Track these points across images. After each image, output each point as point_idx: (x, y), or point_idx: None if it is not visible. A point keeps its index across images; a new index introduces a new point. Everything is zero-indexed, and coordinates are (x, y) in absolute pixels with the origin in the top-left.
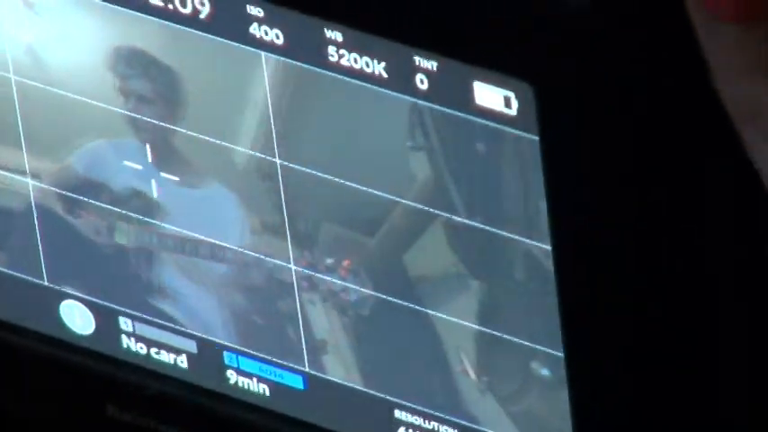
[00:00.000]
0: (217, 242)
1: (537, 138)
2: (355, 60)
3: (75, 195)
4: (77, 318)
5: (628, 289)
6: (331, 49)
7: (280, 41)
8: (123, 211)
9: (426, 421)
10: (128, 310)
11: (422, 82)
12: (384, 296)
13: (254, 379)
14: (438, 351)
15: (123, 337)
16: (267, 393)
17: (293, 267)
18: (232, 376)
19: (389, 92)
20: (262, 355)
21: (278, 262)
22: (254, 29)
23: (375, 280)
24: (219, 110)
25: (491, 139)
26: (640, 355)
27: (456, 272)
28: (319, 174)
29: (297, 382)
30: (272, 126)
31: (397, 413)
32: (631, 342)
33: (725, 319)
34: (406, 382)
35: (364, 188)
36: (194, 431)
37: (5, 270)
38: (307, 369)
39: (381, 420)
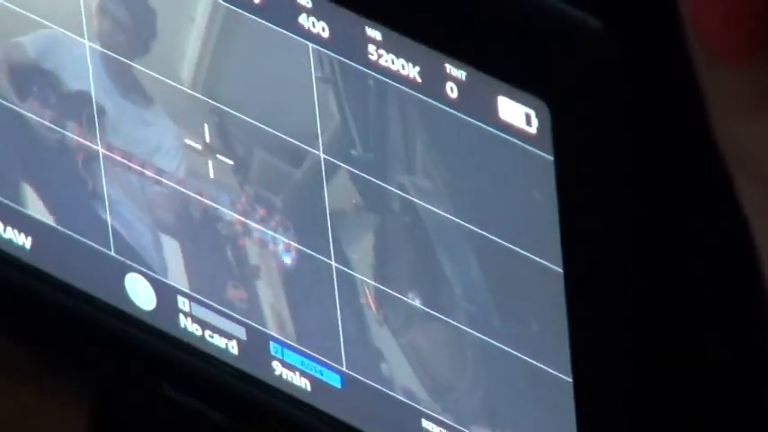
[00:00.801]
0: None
1: (552, 158)
2: (392, 61)
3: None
4: (141, 292)
5: (638, 312)
6: (371, 48)
7: (325, 34)
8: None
9: None
10: (185, 290)
11: (452, 90)
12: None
13: (297, 373)
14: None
15: (181, 316)
16: (308, 388)
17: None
18: (277, 367)
19: (422, 96)
20: (305, 349)
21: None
22: (303, 19)
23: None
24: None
25: (510, 154)
26: (648, 378)
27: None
28: (356, 171)
29: (335, 381)
30: (320, 119)
31: (425, 423)
32: (639, 365)
33: (734, 348)
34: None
35: (379, 182)
36: (238, 418)
37: (74, 235)
38: (344, 368)
39: (410, 427)
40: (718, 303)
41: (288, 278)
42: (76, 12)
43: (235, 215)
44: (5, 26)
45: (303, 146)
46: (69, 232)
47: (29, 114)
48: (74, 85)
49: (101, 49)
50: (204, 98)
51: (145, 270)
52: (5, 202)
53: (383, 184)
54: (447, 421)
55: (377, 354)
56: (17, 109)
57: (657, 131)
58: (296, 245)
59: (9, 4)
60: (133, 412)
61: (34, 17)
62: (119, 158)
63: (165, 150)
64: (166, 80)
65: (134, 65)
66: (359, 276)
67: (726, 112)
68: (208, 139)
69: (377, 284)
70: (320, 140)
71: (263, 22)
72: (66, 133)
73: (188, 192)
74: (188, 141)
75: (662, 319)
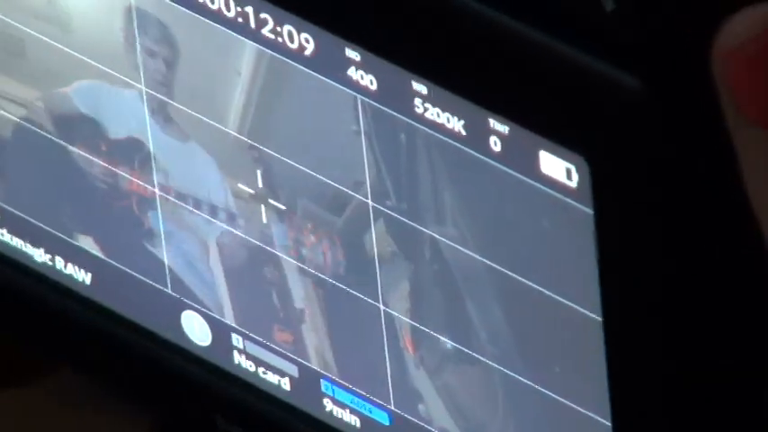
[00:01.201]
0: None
1: (591, 212)
2: (438, 114)
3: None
4: (197, 329)
5: (677, 361)
6: (417, 101)
7: (373, 87)
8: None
9: None
10: (239, 328)
11: (495, 144)
12: None
13: (347, 410)
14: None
15: (235, 352)
16: (357, 425)
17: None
18: (328, 404)
19: (466, 149)
20: (354, 388)
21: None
22: (352, 71)
23: None
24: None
25: (550, 207)
26: (682, 413)
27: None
28: (410, 223)
29: (383, 418)
30: (366, 168)
31: None
32: (675, 400)
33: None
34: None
35: (436, 235)
36: None
37: (132, 272)
38: (392, 407)
39: None
40: (746, 346)
41: (333, 321)
42: (133, 61)
43: (281, 259)
44: (57, 75)
45: (348, 192)
46: (126, 269)
47: (84, 160)
48: (124, 131)
49: (153, 93)
50: (254, 144)
51: (200, 308)
52: (66, 239)
53: (420, 230)
54: None
55: (417, 394)
56: (73, 155)
57: (693, 188)
58: (346, 289)
59: (69, 50)
60: None
61: (92, 62)
62: (173, 200)
63: (216, 194)
64: (217, 125)
65: (184, 109)
66: (398, 319)
67: (756, 174)
68: (260, 185)
69: (413, 327)
70: (366, 188)
71: (313, 73)
72: (120, 175)
73: (238, 232)
74: (240, 186)
75: (699, 365)
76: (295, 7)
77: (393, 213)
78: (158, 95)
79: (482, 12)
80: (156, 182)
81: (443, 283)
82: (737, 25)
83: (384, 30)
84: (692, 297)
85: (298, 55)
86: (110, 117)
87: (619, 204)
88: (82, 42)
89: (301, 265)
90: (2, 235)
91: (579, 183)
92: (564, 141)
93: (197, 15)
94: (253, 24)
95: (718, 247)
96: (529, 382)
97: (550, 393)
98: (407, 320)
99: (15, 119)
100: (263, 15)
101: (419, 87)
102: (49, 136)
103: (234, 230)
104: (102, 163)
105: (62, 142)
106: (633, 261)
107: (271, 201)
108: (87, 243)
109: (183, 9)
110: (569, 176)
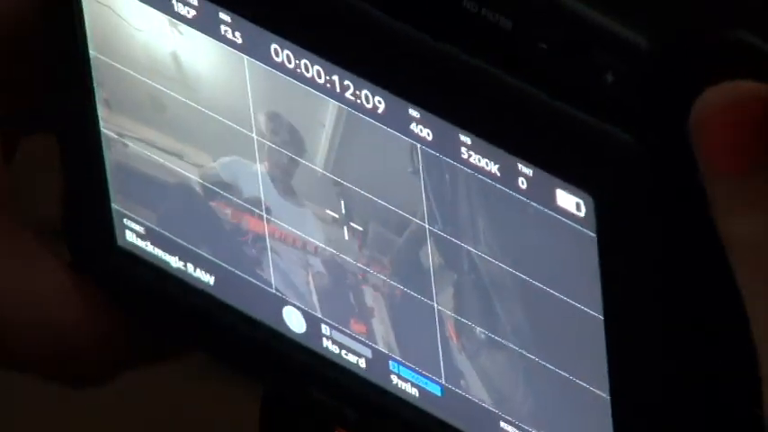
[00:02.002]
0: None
1: (595, 236)
2: (479, 160)
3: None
4: (294, 320)
5: (664, 350)
6: (463, 149)
7: (429, 138)
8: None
9: None
10: (327, 320)
11: (522, 183)
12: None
13: (409, 383)
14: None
15: (324, 338)
16: (417, 395)
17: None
18: (394, 379)
19: (500, 186)
20: (414, 367)
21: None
22: (413, 126)
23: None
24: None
25: (564, 232)
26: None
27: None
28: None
29: (436, 390)
30: (423, 199)
31: (502, 424)
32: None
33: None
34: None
35: (487, 256)
36: (366, 415)
37: (246, 277)
38: (443, 382)
39: (491, 427)
40: (731, 350)
41: (396, 315)
42: (251, 140)
43: (357, 268)
44: (161, 111)
45: (408, 217)
46: (242, 274)
47: (218, 207)
48: (252, 192)
49: (267, 164)
50: (337, 180)
51: (298, 305)
52: (195, 250)
53: (461, 246)
54: (519, 423)
55: (460, 373)
56: (211, 202)
57: (678, 221)
58: (407, 290)
59: (169, 91)
60: (290, 409)
61: (196, 105)
62: (279, 238)
63: (311, 224)
64: (310, 164)
65: (294, 173)
66: (445, 314)
67: (726, 218)
68: (343, 211)
69: (456, 321)
70: (423, 214)
71: (382, 126)
72: (244, 220)
73: (327, 248)
74: (328, 212)
75: (685, 353)
76: (371, 77)
77: (441, 233)
78: (278, 169)
79: (514, 84)
80: (267, 227)
81: (478, 287)
82: (712, 95)
83: (438, 95)
84: (678, 302)
85: (371, 112)
86: (243, 184)
87: (616, 231)
88: (209, 103)
89: (372, 273)
90: (147, 246)
91: (586, 213)
92: (575, 182)
93: (297, 83)
94: (338, 89)
95: (702, 270)
96: (543, 363)
97: (560, 371)
98: (452, 315)
99: (167, 164)
100: (346, 82)
101: (465, 138)
102: (193, 185)
103: (325, 247)
104: (231, 211)
105: (201, 192)
106: (627, 273)
107: (352, 224)
108: (212, 254)
109: (287, 78)
110: (578, 209)
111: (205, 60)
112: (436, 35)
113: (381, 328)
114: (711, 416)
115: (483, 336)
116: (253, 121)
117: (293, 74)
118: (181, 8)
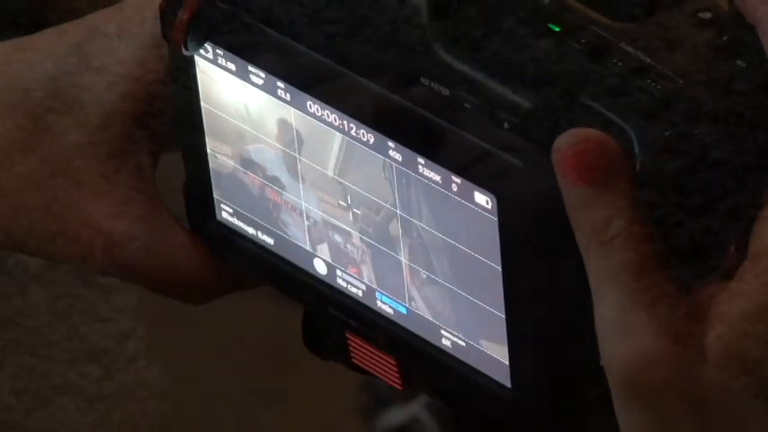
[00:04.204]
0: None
1: (497, 219)
2: (429, 173)
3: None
4: (319, 266)
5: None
6: (420, 166)
7: (400, 159)
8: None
9: None
10: (338, 266)
11: (454, 187)
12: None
13: (387, 305)
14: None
15: (337, 278)
16: (392, 313)
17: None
18: (379, 303)
19: (442, 190)
20: (389, 294)
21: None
22: (390, 152)
23: None
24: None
25: (479, 217)
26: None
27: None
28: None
29: (403, 309)
30: (395, 194)
31: (442, 331)
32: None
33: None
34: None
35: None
36: (363, 324)
37: (287, 237)
38: (407, 304)
39: (434, 336)
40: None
41: (377, 264)
42: (293, 159)
43: (354, 235)
44: (240, 137)
45: (383, 204)
46: (288, 237)
47: (268, 196)
48: (289, 185)
49: (302, 173)
50: (341, 180)
51: (322, 257)
52: (261, 222)
53: (413, 222)
54: (451, 330)
55: (415, 298)
56: (264, 194)
57: (548, 211)
58: (381, 247)
59: (245, 126)
60: (318, 320)
61: (260, 135)
62: (313, 215)
63: (331, 212)
64: (325, 171)
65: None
66: (404, 264)
67: (573, 208)
68: (349, 201)
69: (411, 267)
70: (394, 202)
71: (371, 151)
72: (287, 203)
73: (336, 223)
74: (340, 202)
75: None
76: (365, 121)
77: (403, 214)
78: (310, 174)
79: (450, 128)
80: (304, 211)
81: (422, 247)
82: (566, 136)
83: (407, 134)
84: (548, 259)
85: (364, 142)
86: (285, 180)
87: (510, 217)
88: (269, 137)
89: (363, 238)
90: (234, 220)
91: (491, 206)
92: (486, 187)
93: (321, 124)
94: (345, 128)
95: (560, 239)
96: (463, 293)
97: (473, 299)
98: (409, 263)
99: (242, 170)
100: (349, 123)
101: (421, 160)
102: (256, 183)
103: (336, 223)
104: (277, 198)
105: (260, 187)
106: (516, 242)
107: (353, 209)
108: (270, 225)
109: (316, 122)
110: (488, 203)
111: (266, 112)
112: (406, 98)
113: (370, 272)
114: (577, 332)
115: (425, 276)
116: (296, 145)
117: (319, 118)
118: (253, 77)
